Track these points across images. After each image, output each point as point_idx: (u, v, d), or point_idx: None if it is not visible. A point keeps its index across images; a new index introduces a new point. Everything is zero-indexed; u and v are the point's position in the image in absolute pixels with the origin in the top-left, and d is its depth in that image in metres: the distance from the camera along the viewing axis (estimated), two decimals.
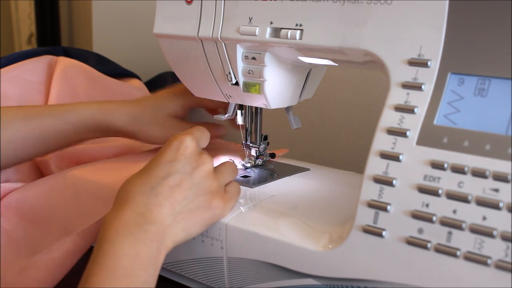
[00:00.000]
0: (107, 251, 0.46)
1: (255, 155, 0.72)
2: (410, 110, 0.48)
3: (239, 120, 0.70)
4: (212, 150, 0.79)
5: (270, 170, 0.71)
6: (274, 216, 0.57)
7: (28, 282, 0.59)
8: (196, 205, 0.53)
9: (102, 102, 0.71)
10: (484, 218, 0.43)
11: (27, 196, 0.67)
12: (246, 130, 0.72)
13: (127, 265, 0.46)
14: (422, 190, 0.46)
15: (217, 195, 0.55)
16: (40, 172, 0.77)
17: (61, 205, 0.66)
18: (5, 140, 0.66)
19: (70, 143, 0.71)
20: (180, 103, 0.73)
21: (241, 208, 0.58)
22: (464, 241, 0.43)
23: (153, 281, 0.48)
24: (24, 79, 0.84)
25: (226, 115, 0.70)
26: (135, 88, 1.00)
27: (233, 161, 0.64)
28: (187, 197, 0.52)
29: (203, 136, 0.57)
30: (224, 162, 0.60)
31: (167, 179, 0.52)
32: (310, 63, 0.63)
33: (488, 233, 0.42)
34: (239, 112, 0.70)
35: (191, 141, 0.54)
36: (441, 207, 0.45)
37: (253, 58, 0.61)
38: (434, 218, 0.45)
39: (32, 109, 0.69)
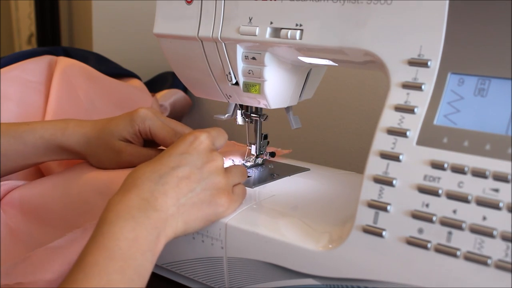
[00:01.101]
0: (106, 232, 0.47)
1: (255, 154, 0.72)
2: (410, 110, 0.48)
3: (239, 120, 0.70)
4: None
5: (270, 170, 0.71)
6: (274, 216, 0.57)
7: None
8: (200, 199, 0.53)
9: (61, 121, 0.68)
10: (484, 218, 0.43)
11: (30, 193, 0.67)
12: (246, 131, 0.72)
13: (124, 248, 0.46)
14: (422, 190, 0.46)
15: (224, 193, 0.55)
16: (40, 171, 0.77)
17: (64, 202, 0.66)
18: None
19: (30, 164, 0.69)
20: (132, 129, 0.65)
21: (241, 208, 0.58)
22: (464, 241, 0.43)
23: (150, 267, 0.48)
24: (24, 79, 0.84)
25: (226, 115, 0.70)
26: (135, 88, 1.00)
27: (243, 164, 0.64)
28: (194, 189, 0.53)
29: (220, 136, 0.58)
30: (235, 165, 0.61)
31: (176, 170, 0.52)
32: (310, 63, 0.63)
33: (488, 233, 0.42)
34: (239, 112, 0.70)
35: (206, 138, 0.55)
36: (441, 207, 0.45)
37: (253, 58, 0.61)
38: (434, 218, 0.45)
39: None
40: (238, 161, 0.73)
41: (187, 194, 0.52)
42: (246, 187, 0.65)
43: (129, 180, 0.52)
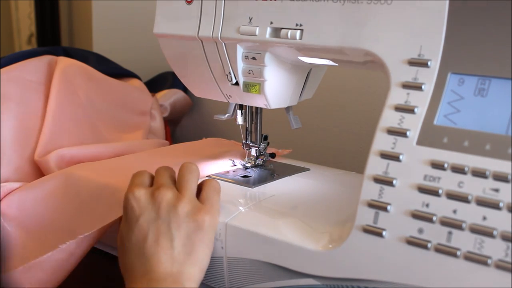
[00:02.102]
0: None
1: (255, 155, 0.72)
2: (410, 110, 0.48)
3: (239, 120, 0.70)
4: (212, 148, 0.79)
5: (270, 170, 0.71)
6: (274, 216, 0.57)
7: (32, 281, 0.59)
8: (185, 235, 0.53)
9: None
10: (484, 218, 0.43)
11: (28, 198, 0.67)
12: (246, 130, 0.72)
13: None
14: (422, 190, 0.46)
15: (195, 212, 0.54)
16: (40, 171, 0.77)
17: (62, 207, 0.66)
18: None
19: None
20: None
21: (241, 208, 0.58)
22: (464, 241, 0.43)
23: None
24: (24, 79, 0.84)
25: (226, 115, 0.70)
26: (135, 88, 1.00)
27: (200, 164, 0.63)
28: (173, 236, 0.52)
29: (141, 175, 0.57)
30: (182, 168, 0.57)
31: (147, 240, 0.52)
32: (310, 63, 0.63)
33: (488, 233, 0.42)
34: (239, 112, 0.70)
35: (138, 191, 0.54)
36: (441, 207, 0.45)
37: (253, 58, 0.61)
38: (434, 218, 0.45)
39: None
40: (238, 161, 0.73)
41: (173, 243, 0.52)
42: (246, 187, 0.65)
43: (127, 275, 0.53)
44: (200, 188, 0.57)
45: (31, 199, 0.67)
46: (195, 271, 0.52)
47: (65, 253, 0.60)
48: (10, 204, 0.66)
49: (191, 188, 0.56)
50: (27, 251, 0.63)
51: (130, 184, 0.56)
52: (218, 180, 0.63)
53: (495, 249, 0.42)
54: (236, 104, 0.70)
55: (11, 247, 0.63)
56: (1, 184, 0.68)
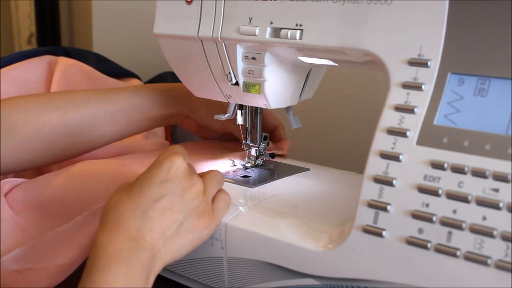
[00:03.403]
0: (99, 280, 0.46)
1: (255, 155, 0.72)
2: (410, 110, 0.48)
3: (239, 120, 0.70)
4: (213, 150, 0.79)
5: (270, 170, 0.71)
6: (274, 216, 0.57)
7: (29, 282, 0.59)
8: (185, 228, 0.53)
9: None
10: (484, 218, 0.43)
11: (32, 187, 0.67)
12: (246, 130, 0.72)
13: None
14: (422, 190, 0.46)
15: (204, 215, 0.54)
16: (40, 171, 0.77)
17: (67, 191, 0.66)
18: (88, 115, 0.69)
19: (144, 121, 0.74)
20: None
21: (241, 208, 0.58)
22: (464, 241, 0.43)
23: None
24: (24, 79, 0.84)
25: (226, 115, 0.70)
26: None
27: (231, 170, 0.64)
28: (177, 220, 0.52)
29: (186, 153, 0.57)
30: (211, 172, 0.59)
31: (159, 202, 0.51)
32: (310, 63, 0.63)
33: (488, 233, 0.42)
34: (239, 112, 0.70)
35: (182, 162, 0.54)
36: (441, 207, 0.45)
37: (253, 58, 0.61)
38: (434, 218, 0.45)
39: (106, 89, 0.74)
40: (238, 161, 0.73)
41: (172, 225, 0.52)
42: (246, 187, 0.65)
43: (113, 216, 0.51)
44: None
45: (34, 190, 0.67)
46: (168, 260, 0.52)
47: (67, 259, 0.59)
48: (16, 198, 0.66)
49: (213, 194, 0.57)
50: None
51: (169, 150, 0.55)
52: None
53: (495, 249, 0.42)
54: (236, 104, 0.70)
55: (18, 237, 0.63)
56: (4, 180, 0.68)
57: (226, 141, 0.84)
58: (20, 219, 0.64)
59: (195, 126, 0.80)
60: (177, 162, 0.53)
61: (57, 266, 0.59)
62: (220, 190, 0.59)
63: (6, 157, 0.66)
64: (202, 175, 0.57)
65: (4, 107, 0.66)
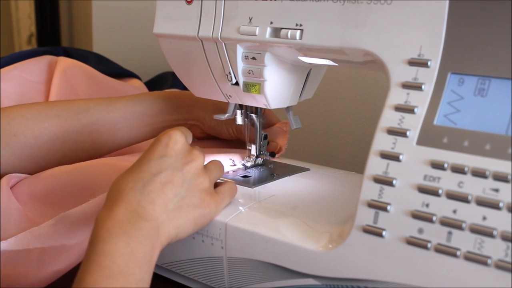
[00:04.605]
0: (101, 250, 0.46)
1: (255, 155, 0.72)
2: (410, 110, 0.48)
3: (239, 120, 0.70)
4: (213, 149, 0.79)
5: (270, 170, 0.71)
6: (274, 216, 0.57)
7: (40, 261, 0.59)
8: (187, 203, 0.53)
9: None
10: (484, 218, 0.43)
11: (37, 180, 0.67)
12: (246, 130, 0.72)
13: (122, 264, 0.46)
14: (422, 190, 0.46)
15: (207, 193, 0.55)
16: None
17: (72, 180, 0.66)
18: (88, 123, 0.69)
19: (141, 129, 0.74)
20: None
21: (241, 208, 0.58)
22: (464, 241, 0.43)
23: (148, 278, 0.48)
24: (24, 79, 0.84)
25: (226, 115, 0.70)
26: (135, 88, 1.00)
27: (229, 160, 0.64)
28: (179, 194, 0.52)
29: (188, 132, 0.58)
30: (211, 161, 0.60)
31: (158, 176, 0.52)
32: (310, 63, 0.63)
33: (488, 233, 0.42)
34: (238, 112, 0.70)
35: (180, 136, 0.54)
36: (441, 207, 0.45)
37: (253, 58, 0.61)
38: (434, 218, 0.45)
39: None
40: (238, 161, 0.73)
41: (173, 199, 0.52)
42: (246, 187, 0.65)
43: (114, 193, 0.51)
44: (218, 184, 0.59)
45: (41, 181, 0.67)
46: (173, 234, 0.52)
47: (64, 264, 0.59)
48: (22, 191, 0.66)
49: (214, 176, 0.58)
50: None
51: (176, 127, 0.56)
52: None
53: (495, 249, 0.42)
54: (236, 103, 0.69)
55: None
56: (9, 175, 0.68)
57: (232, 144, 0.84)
58: (27, 210, 0.64)
59: (202, 134, 0.79)
60: (175, 137, 0.54)
61: (67, 247, 0.59)
62: (227, 181, 0.60)
63: (7, 164, 0.67)
64: (207, 164, 0.58)
65: (5, 115, 0.67)
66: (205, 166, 0.58)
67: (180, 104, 0.76)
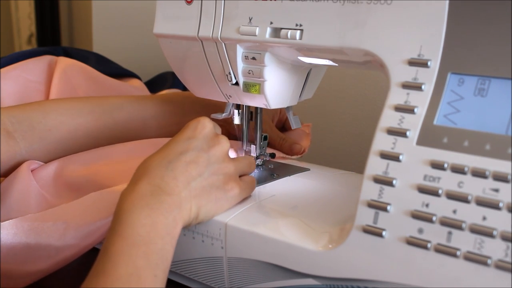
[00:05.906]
0: (124, 221, 0.48)
1: (255, 155, 0.72)
2: (410, 110, 0.48)
3: (236, 119, 0.70)
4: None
5: (270, 170, 0.71)
6: (274, 216, 0.57)
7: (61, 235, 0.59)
8: (210, 184, 0.54)
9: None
10: (484, 218, 0.43)
11: (57, 165, 0.68)
12: (244, 130, 0.72)
13: (144, 234, 0.47)
14: (422, 190, 0.46)
15: (231, 179, 0.57)
16: None
17: (95, 166, 0.67)
18: (122, 120, 0.71)
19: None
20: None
21: (241, 208, 0.58)
22: (464, 241, 0.43)
23: (171, 249, 0.49)
24: (24, 79, 0.84)
25: (223, 115, 0.70)
26: (135, 88, 1.00)
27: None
28: (202, 174, 0.54)
29: (217, 124, 0.60)
30: (244, 156, 0.63)
31: (183, 155, 0.53)
32: (310, 63, 0.63)
33: (488, 233, 0.42)
34: (235, 111, 0.70)
35: (209, 122, 0.57)
36: (441, 207, 0.45)
37: (253, 58, 0.61)
38: (434, 218, 0.45)
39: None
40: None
41: (196, 178, 0.53)
42: None
43: (140, 170, 0.53)
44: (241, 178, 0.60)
45: (62, 164, 0.67)
46: (195, 212, 0.53)
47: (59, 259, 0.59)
48: (41, 174, 0.67)
49: (241, 166, 0.60)
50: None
51: (237, 158, 0.59)
52: None
53: (495, 249, 0.42)
54: (233, 103, 0.69)
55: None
56: (30, 161, 0.68)
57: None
58: (46, 193, 0.65)
59: (226, 135, 0.80)
60: (204, 122, 0.56)
61: (87, 224, 0.59)
62: (249, 175, 0.62)
63: (40, 157, 0.68)
64: (237, 157, 0.61)
65: (40, 110, 0.68)
66: (235, 158, 0.60)
67: (208, 103, 0.77)
